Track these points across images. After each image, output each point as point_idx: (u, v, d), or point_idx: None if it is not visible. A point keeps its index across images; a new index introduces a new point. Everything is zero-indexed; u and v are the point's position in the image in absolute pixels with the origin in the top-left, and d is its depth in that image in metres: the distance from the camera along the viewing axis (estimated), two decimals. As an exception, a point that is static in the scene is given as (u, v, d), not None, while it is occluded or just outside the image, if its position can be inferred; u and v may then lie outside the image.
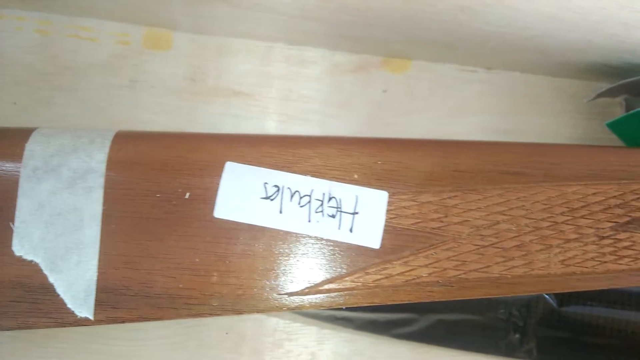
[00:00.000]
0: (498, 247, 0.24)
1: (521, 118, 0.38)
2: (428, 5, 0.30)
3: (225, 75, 0.36)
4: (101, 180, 0.24)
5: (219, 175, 0.24)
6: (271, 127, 0.36)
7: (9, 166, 0.24)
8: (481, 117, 0.38)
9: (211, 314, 0.23)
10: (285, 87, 0.36)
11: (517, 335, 0.33)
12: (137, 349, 0.33)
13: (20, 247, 0.23)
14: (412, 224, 0.24)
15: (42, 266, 0.23)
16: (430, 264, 0.24)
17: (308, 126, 0.36)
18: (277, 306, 0.24)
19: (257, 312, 0.24)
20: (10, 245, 0.23)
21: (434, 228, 0.24)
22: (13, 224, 0.23)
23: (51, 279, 0.23)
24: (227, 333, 0.34)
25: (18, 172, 0.24)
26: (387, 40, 0.36)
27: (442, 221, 0.24)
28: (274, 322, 0.34)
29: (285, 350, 0.34)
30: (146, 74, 0.35)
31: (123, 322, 0.23)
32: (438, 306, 0.32)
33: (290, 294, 0.24)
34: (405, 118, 0.37)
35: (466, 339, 0.33)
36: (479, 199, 0.25)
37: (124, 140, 0.25)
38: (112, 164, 0.24)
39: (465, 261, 0.24)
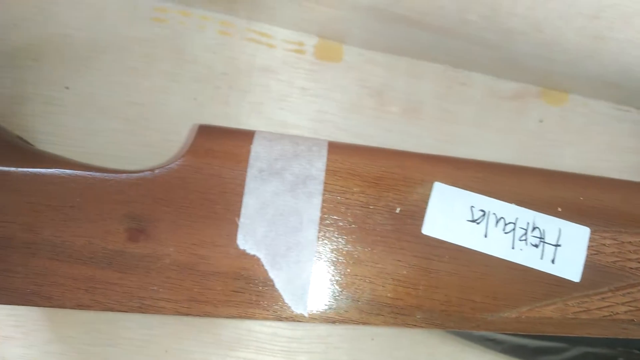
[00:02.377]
0: (694, 294, 0.25)
1: (670, 161, 0.39)
2: (618, 48, 0.30)
3: (390, 91, 0.37)
4: (320, 187, 0.26)
5: (427, 194, 0.26)
6: (430, 145, 0.37)
7: (236, 165, 0.26)
8: (631, 157, 0.38)
9: (415, 326, 0.25)
10: (445, 108, 0.37)
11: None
12: (289, 344, 0.34)
13: (245, 242, 0.25)
14: (612, 261, 0.25)
15: (264, 261, 0.25)
16: (627, 302, 0.25)
17: (466, 148, 0.37)
18: (478, 326, 0.25)
19: (458, 328, 0.25)
20: (235, 239, 0.25)
21: (632, 268, 0.25)
22: (239, 219, 0.25)
23: (271, 274, 0.25)
24: (372, 339, 0.35)
25: (244, 171, 0.26)
26: (552, 72, 0.36)
27: (641, 262, 0.25)
28: (410, 334, 0.35)
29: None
30: (315, 83, 0.37)
31: (334, 322, 0.25)
32: (591, 339, 0.32)
33: (491, 316, 0.25)
34: (559, 150, 0.38)
35: (606, 374, 0.34)
36: (677, 245, 0.25)
37: (338, 151, 0.26)
38: (330, 172, 0.26)
39: (662, 304, 0.25)
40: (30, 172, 0.25)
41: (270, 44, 0.37)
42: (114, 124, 0.35)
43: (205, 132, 0.26)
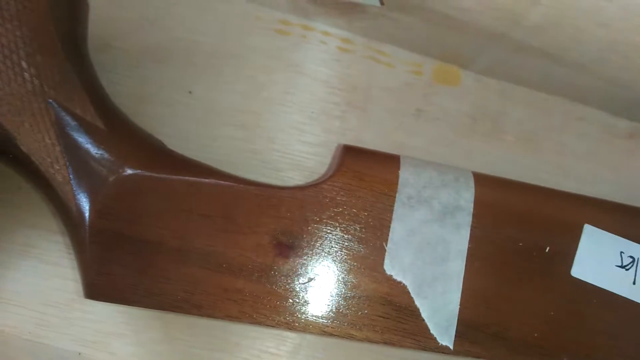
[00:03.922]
0: None
1: None
2: None
3: (504, 119, 0.37)
4: (469, 219, 0.26)
5: (576, 235, 0.26)
6: (542, 179, 0.36)
7: (385, 190, 0.26)
8: None
9: (560, 368, 0.24)
10: (560, 141, 0.37)
11: None
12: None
13: (391, 267, 0.25)
14: None
15: (410, 289, 0.25)
16: None
17: (578, 184, 0.36)
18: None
19: (603, 375, 0.24)
20: (382, 264, 0.25)
21: None
22: (386, 244, 0.25)
23: (417, 303, 0.25)
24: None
25: (393, 196, 0.26)
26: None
27: None
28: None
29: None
30: (432, 105, 0.37)
31: (479, 357, 0.25)
32: None
33: (636, 365, 0.25)
34: (672, 193, 0.37)
35: None
36: None
37: (485, 184, 0.26)
38: (478, 204, 0.26)
39: None
40: (188, 180, 0.25)
41: (389, 64, 0.37)
42: (230, 131, 0.35)
43: (352, 153, 0.27)
